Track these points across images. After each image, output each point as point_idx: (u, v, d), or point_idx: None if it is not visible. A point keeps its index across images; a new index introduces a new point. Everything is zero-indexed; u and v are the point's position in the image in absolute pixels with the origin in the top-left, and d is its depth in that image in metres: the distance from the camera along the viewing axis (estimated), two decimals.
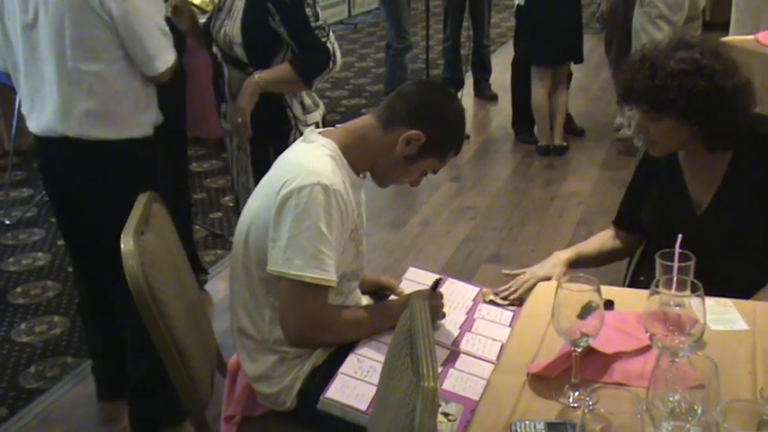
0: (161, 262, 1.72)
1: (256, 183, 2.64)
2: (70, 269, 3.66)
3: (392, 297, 1.96)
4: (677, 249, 1.54)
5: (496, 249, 3.90)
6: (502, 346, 1.74)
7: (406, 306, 1.45)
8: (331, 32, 2.57)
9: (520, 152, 5.22)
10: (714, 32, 4.17)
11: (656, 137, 1.89)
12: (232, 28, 2.56)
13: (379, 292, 2.04)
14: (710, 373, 1.18)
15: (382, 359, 1.51)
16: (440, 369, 1.69)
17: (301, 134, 2.58)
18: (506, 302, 1.93)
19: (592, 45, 5.11)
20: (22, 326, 3.24)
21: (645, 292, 1.53)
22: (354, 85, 6.82)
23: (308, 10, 2.49)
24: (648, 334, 1.38)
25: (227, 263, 3.63)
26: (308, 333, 1.72)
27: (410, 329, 1.29)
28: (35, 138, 2.46)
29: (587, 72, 6.15)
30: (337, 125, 1.86)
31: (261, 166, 2.62)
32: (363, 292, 1.99)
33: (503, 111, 5.79)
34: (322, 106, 2.74)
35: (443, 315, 1.86)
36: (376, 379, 1.63)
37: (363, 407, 1.61)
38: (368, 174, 1.88)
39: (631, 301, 1.74)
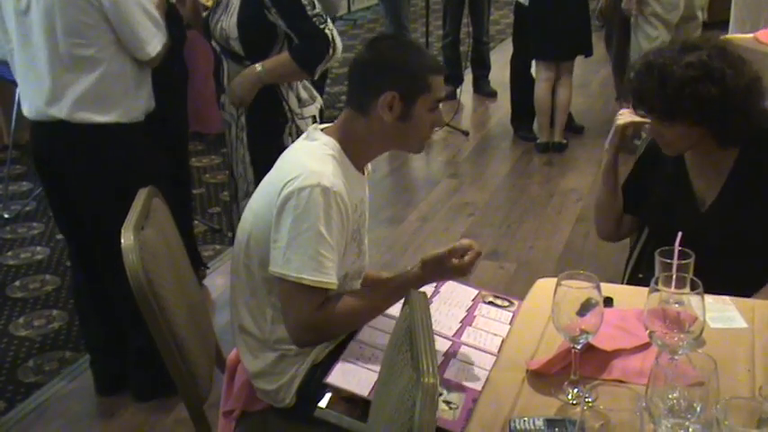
0: (161, 257, 1.72)
1: (255, 174, 2.65)
2: (69, 263, 3.66)
3: None
4: (677, 247, 1.55)
5: (495, 246, 3.90)
6: (502, 342, 1.75)
7: (405, 293, 1.48)
8: (329, 20, 2.56)
9: (519, 149, 5.23)
10: (713, 32, 4.17)
11: (669, 139, 1.90)
12: (228, 23, 2.56)
13: None
14: (710, 371, 1.18)
15: (383, 347, 1.52)
16: (441, 359, 1.70)
17: (297, 128, 2.61)
18: (506, 304, 1.94)
19: (592, 42, 5.11)
20: (21, 320, 3.24)
21: (644, 290, 1.54)
22: None
23: None
24: (648, 331, 1.39)
25: (226, 258, 3.64)
26: (307, 335, 1.72)
27: (410, 325, 1.29)
28: (30, 123, 2.52)
29: (586, 69, 6.15)
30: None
31: (258, 159, 2.64)
32: None
33: (502, 107, 5.79)
34: (319, 99, 2.74)
35: (467, 272, 1.77)
36: (377, 366, 1.63)
37: (365, 392, 1.63)
38: (370, 169, 1.88)
39: (630, 298, 1.75)
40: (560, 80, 5.00)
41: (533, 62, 5.11)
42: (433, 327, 1.36)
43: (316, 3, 2.53)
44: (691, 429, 1.17)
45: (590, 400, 1.18)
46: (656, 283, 1.41)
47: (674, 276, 1.46)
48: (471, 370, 1.63)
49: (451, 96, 6.09)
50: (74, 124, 2.40)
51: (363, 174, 1.84)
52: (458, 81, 6.08)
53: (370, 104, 1.72)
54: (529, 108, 5.19)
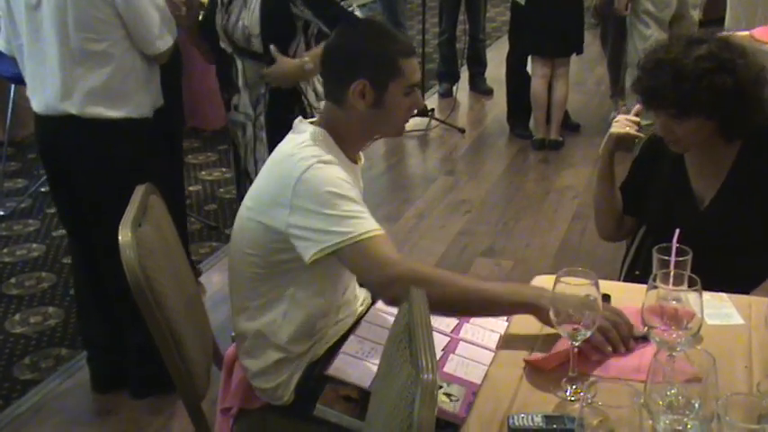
0: (158, 253, 1.72)
1: None
2: (65, 260, 3.66)
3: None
4: (674, 244, 1.55)
5: (491, 243, 3.91)
6: (500, 337, 1.75)
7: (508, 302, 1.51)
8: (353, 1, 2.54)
9: (515, 146, 5.23)
10: (709, 29, 4.17)
11: (681, 136, 1.88)
12: (250, 19, 2.50)
13: None
14: (708, 368, 1.18)
15: (383, 342, 1.51)
16: (440, 355, 1.70)
17: None
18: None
19: (587, 40, 5.11)
20: (17, 317, 3.23)
21: (641, 287, 1.54)
22: None
23: None
24: (646, 328, 1.39)
25: (222, 255, 3.64)
26: (399, 285, 1.55)
27: (409, 322, 1.29)
28: (36, 118, 2.52)
29: (582, 67, 6.16)
30: None
31: None
32: (361, 285, 1.99)
33: (498, 105, 5.79)
34: None
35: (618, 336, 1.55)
36: (377, 360, 1.63)
37: (366, 384, 1.63)
38: (362, 159, 1.87)
39: (628, 295, 1.75)
40: (556, 77, 5.01)
41: (529, 59, 5.12)
42: (432, 323, 1.36)
43: None
44: (689, 425, 1.17)
45: (588, 396, 1.18)
46: (654, 280, 1.41)
47: (672, 273, 1.46)
48: (470, 365, 1.63)
49: (448, 94, 6.10)
50: (84, 119, 2.42)
51: (356, 163, 1.83)
52: (454, 78, 6.08)
53: (343, 95, 1.71)
54: (525, 105, 5.20)
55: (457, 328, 1.78)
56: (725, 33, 3.35)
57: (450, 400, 1.49)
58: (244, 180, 2.76)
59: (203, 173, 4.74)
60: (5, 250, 3.80)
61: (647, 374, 1.23)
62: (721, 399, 1.12)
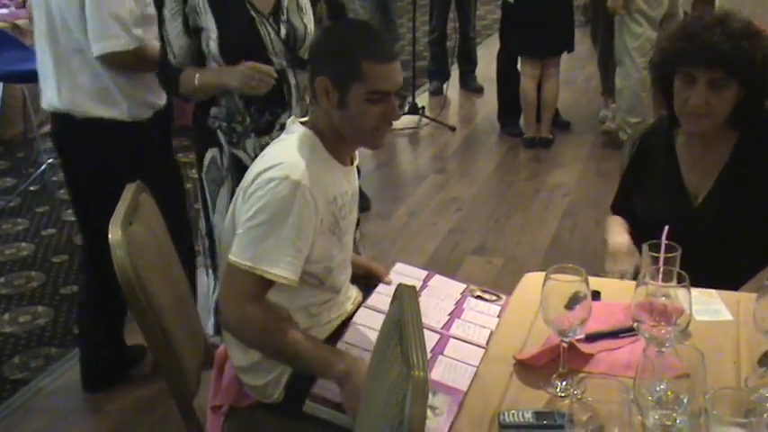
0: (149, 252, 1.71)
1: None
2: (54, 259, 3.66)
3: (378, 289, 1.94)
4: (663, 240, 1.56)
5: (482, 241, 3.91)
6: (491, 334, 1.75)
7: (318, 368, 1.58)
8: None
9: (505, 144, 5.24)
10: None
11: (715, 108, 1.84)
12: (309, 21, 2.27)
13: (368, 279, 2.04)
14: (697, 363, 1.19)
15: (371, 348, 1.52)
16: (429, 355, 1.69)
17: None
18: (494, 298, 1.94)
19: (576, 38, 5.13)
20: (6, 316, 3.21)
21: (630, 283, 1.55)
22: None
23: None
24: (635, 324, 1.40)
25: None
26: (233, 322, 1.67)
27: (399, 319, 1.29)
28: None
29: (572, 65, 6.17)
30: None
31: None
32: (352, 280, 1.99)
33: (488, 103, 5.80)
34: None
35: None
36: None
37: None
38: (357, 160, 1.87)
39: (617, 291, 1.76)
40: (546, 76, 5.02)
41: (519, 57, 5.13)
42: (422, 320, 1.36)
43: None
44: (678, 420, 1.18)
45: (578, 392, 1.19)
46: (644, 277, 1.42)
47: (661, 270, 1.47)
48: (458, 367, 1.63)
49: (438, 92, 6.11)
50: (79, 118, 2.44)
51: (349, 165, 1.82)
52: (444, 76, 6.09)
53: (314, 90, 1.71)
54: (515, 104, 5.21)
55: (447, 325, 1.78)
56: None
57: (434, 414, 1.49)
58: None
59: (192, 171, 4.72)
60: None
61: (637, 370, 1.23)
62: (709, 393, 1.13)
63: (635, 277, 1.78)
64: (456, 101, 6.16)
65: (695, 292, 1.41)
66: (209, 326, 2.57)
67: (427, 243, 3.89)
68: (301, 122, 1.79)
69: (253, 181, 1.67)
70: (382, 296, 1.85)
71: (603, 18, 5.09)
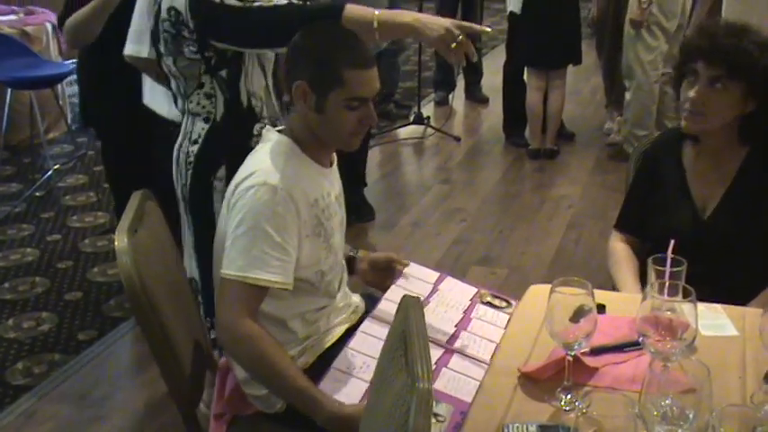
0: (154, 259, 1.71)
1: None
2: (59, 265, 3.66)
3: (387, 295, 1.93)
4: (669, 254, 1.56)
5: (486, 251, 3.91)
6: (496, 347, 1.75)
7: (304, 403, 1.59)
8: None
9: (510, 155, 5.24)
10: None
11: (710, 109, 1.85)
12: None
13: (387, 270, 2.00)
14: (703, 378, 1.19)
15: (376, 355, 1.52)
16: (432, 367, 1.69)
17: None
18: (504, 305, 1.94)
19: (582, 50, 5.14)
20: (10, 322, 3.22)
21: (636, 297, 1.54)
22: None
23: None
24: (640, 338, 1.39)
25: None
26: (227, 336, 1.67)
27: (405, 330, 1.29)
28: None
29: (577, 76, 6.18)
30: None
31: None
32: (367, 281, 1.99)
33: (494, 114, 5.81)
34: None
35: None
36: (368, 375, 1.63)
37: (355, 401, 1.62)
38: (335, 161, 1.86)
39: (623, 304, 1.75)
40: (552, 88, 5.02)
41: (525, 69, 5.13)
42: (428, 331, 1.35)
43: None
44: None
45: (582, 406, 1.18)
46: (650, 291, 1.41)
47: (667, 284, 1.47)
48: (462, 380, 1.63)
49: (444, 102, 6.12)
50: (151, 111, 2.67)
51: (329, 166, 1.82)
52: (450, 87, 6.10)
53: (291, 94, 1.72)
54: (521, 114, 5.21)
55: (453, 338, 1.78)
56: None
57: (437, 421, 1.49)
58: None
59: None
60: None
61: (642, 384, 1.23)
62: (716, 410, 1.13)
63: None
64: (461, 111, 6.17)
65: (701, 306, 1.41)
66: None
67: (431, 253, 3.88)
68: (278, 130, 1.79)
69: (233, 192, 1.69)
70: (390, 304, 1.84)
71: (610, 31, 5.09)
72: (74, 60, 4.88)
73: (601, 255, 3.01)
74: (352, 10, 1.84)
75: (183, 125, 2.07)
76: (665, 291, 1.45)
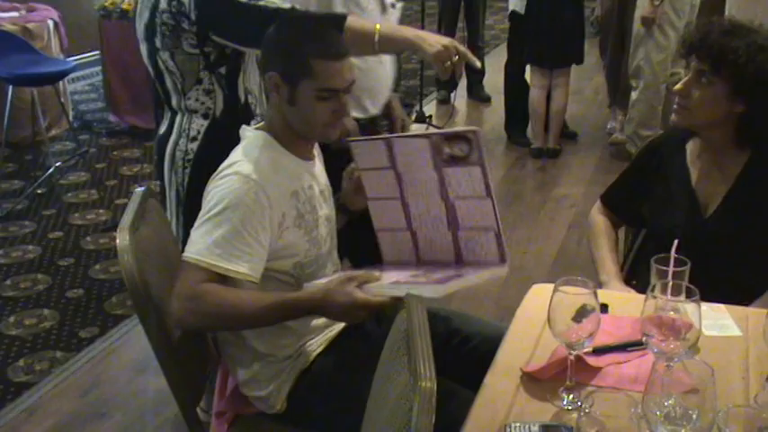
0: (156, 257, 1.72)
1: None
2: (60, 262, 3.66)
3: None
4: (673, 254, 1.55)
5: None
6: (497, 235, 1.82)
7: (291, 312, 1.58)
8: None
9: (513, 154, 5.23)
10: None
11: (695, 103, 1.85)
12: None
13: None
14: (706, 379, 1.18)
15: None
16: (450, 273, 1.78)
17: None
18: (463, 152, 1.77)
19: (585, 49, 5.12)
20: (11, 319, 3.22)
21: (638, 297, 1.54)
22: None
23: None
24: (644, 338, 1.39)
25: None
26: (179, 304, 1.59)
27: (407, 329, 1.29)
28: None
29: (580, 76, 6.16)
30: None
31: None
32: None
33: (496, 112, 5.80)
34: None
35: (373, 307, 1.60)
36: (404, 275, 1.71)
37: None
38: (317, 153, 1.85)
39: (625, 304, 1.75)
40: (555, 87, 5.01)
41: (528, 68, 5.12)
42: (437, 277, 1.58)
43: None
44: None
45: (585, 406, 1.18)
46: (653, 291, 1.41)
47: (670, 284, 1.46)
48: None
49: (446, 101, 6.11)
50: None
51: (310, 159, 1.81)
52: (452, 85, 6.09)
53: (265, 86, 1.72)
54: (523, 113, 5.21)
55: (458, 252, 1.86)
56: None
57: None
58: None
59: None
60: (1, 251, 3.78)
61: (645, 384, 1.23)
62: (722, 410, 1.12)
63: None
64: (463, 110, 6.16)
65: (704, 306, 1.40)
66: None
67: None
68: (256, 127, 1.79)
69: (207, 186, 1.69)
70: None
71: (614, 31, 5.07)
72: (75, 57, 4.89)
73: None
74: (354, 22, 1.88)
75: (177, 123, 2.06)
76: (669, 291, 1.44)
